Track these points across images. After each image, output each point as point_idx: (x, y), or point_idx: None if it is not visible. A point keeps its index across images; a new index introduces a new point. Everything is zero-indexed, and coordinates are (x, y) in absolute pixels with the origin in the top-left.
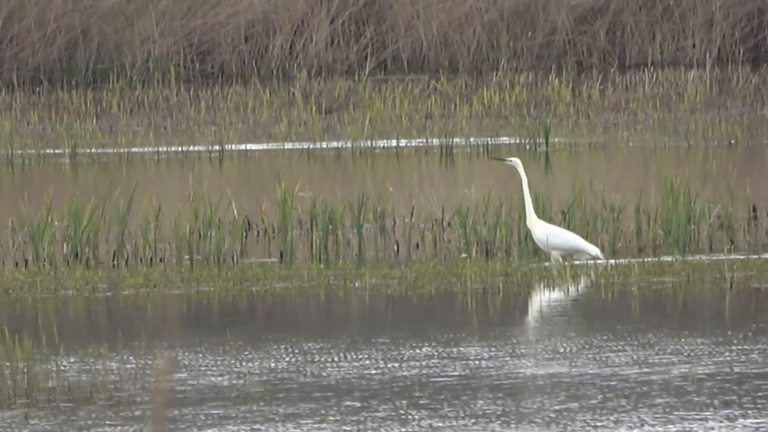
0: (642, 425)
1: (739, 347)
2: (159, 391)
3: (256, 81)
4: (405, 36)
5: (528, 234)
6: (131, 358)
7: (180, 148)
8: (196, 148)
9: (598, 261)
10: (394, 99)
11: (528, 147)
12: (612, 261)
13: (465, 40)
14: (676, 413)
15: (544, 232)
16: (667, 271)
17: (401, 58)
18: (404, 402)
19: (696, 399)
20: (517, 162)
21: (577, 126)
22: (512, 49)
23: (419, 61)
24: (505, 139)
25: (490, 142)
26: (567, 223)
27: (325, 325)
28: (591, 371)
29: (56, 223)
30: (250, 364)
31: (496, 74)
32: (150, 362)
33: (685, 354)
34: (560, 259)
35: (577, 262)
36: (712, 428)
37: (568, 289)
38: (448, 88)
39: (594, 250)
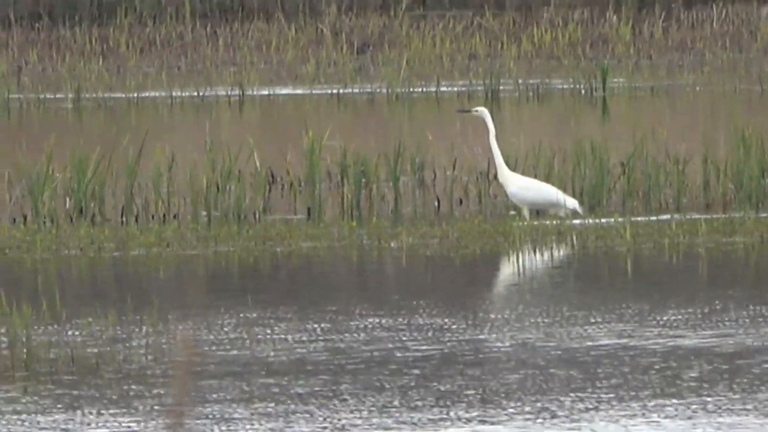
0: (715, 394)
1: None
2: (180, 367)
3: (281, 16)
4: None
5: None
6: (141, 326)
7: (196, 92)
8: (214, 91)
9: (581, 217)
10: (434, 37)
11: (583, 91)
12: (677, 217)
13: None
14: (742, 387)
15: (517, 185)
16: (737, 229)
17: None
18: (439, 373)
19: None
20: (484, 112)
21: (637, 68)
22: None
23: None
24: (557, 82)
25: (540, 86)
26: (627, 176)
27: (357, 290)
28: (650, 340)
29: (58, 175)
30: (274, 333)
31: (548, 10)
32: (162, 331)
33: (758, 321)
34: (527, 214)
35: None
36: None
37: (627, 249)
38: (494, 25)
39: (572, 203)
